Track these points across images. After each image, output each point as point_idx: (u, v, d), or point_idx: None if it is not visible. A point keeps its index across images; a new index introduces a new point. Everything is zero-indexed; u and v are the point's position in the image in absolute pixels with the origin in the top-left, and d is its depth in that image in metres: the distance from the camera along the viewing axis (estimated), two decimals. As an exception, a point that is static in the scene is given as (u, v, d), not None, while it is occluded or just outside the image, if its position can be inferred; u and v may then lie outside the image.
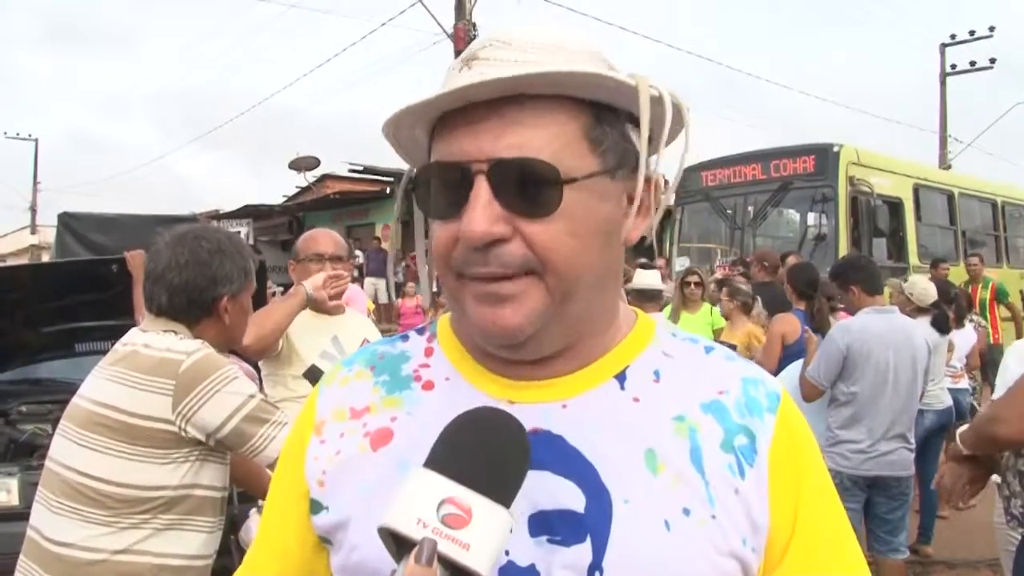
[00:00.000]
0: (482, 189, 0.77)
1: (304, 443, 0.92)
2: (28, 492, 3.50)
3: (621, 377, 0.87)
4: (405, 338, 0.98)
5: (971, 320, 7.02)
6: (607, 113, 0.82)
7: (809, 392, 4.26)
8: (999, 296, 9.56)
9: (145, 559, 1.91)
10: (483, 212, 0.76)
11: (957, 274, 9.67)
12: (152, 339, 2.03)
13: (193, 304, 2.09)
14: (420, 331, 0.98)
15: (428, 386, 0.90)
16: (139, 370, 1.96)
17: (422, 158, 0.88)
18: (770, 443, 0.85)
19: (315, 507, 0.89)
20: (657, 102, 0.80)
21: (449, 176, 0.79)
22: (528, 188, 0.77)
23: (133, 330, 2.14)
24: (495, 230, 0.76)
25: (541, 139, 0.77)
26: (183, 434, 1.93)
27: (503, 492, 0.69)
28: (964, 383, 6.46)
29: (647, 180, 0.85)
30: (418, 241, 0.94)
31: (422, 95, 0.80)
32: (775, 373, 4.80)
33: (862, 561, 0.89)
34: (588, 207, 0.80)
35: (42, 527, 1.96)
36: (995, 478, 3.33)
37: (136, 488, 1.91)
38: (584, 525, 0.79)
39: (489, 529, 0.67)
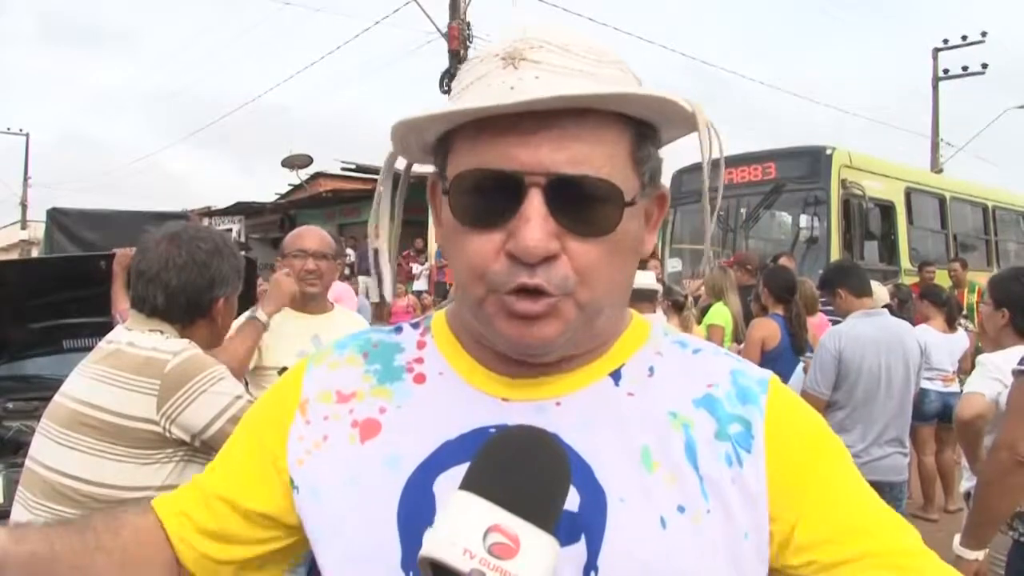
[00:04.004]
0: (536, 201, 0.74)
1: (289, 415, 0.90)
2: (13, 490, 3.47)
3: (616, 375, 0.86)
4: (399, 330, 0.97)
5: (960, 324, 7.04)
6: (648, 131, 0.81)
7: (811, 405, 4.19)
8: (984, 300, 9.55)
9: None
10: (542, 225, 0.74)
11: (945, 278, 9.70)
12: (137, 338, 2.00)
13: (191, 305, 2.07)
14: (414, 325, 0.97)
15: (420, 379, 0.89)
16: (124, 369, 1.93)
17: (420, 157, 0.86)
18: (764, 425, 0.84)
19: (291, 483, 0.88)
20: (695, 124, 0.80)
21: (495, 185, 0.75)
22: (586, 207, 0.75)
23: (118, 328, 2.11)
24: (552, 246, 0.74)
25: (600, 157, 0.76)
26: (167, 434, 1.90)
27: (548, 518, 0.67)
28: (955, 387, 6.47)
29: (661, 196, 0.87)
30: (382, 225, 0.92)
31: (468, 98, 0.77)
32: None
33: (890, 518, 0.86)
34: (630, 228, 0.80)
35: (22, 528, 1.93)
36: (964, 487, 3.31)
37: (118, 488, 1.88)
38: (579, 524, 0.77)
39: (537, 559, 0.64)
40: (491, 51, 0.79)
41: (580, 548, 0.77)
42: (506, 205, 0.75)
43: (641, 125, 0.80)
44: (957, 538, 2.57)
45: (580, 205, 0.75)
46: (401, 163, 0.91)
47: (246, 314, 2.77)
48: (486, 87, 0.76)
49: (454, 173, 0.79)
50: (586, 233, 0.76)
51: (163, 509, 0.93)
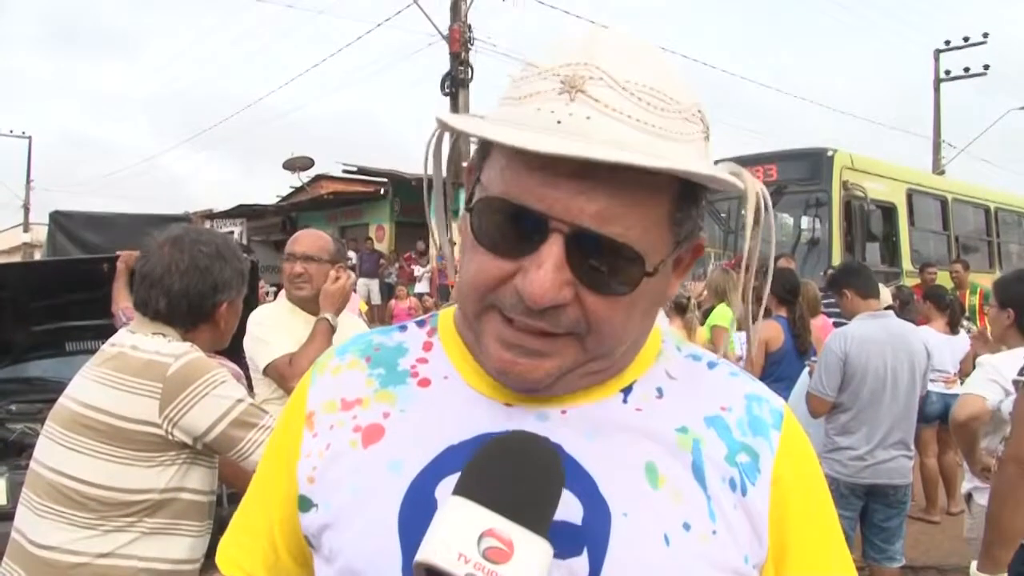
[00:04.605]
0: (556, 249, 0.72)
1: (297, 437, 0.89)
2: (17, 492, 3.45)
3: (627, 391, 0.86)
4: (403, 329, 0.95)
5: (962, 325, 7.03)
6: (692, 190, 0.77)
7: (817, 407, 4.17)
8: (988, 302, 9.54)
9: (130, 563, 1.88)
10: (554, 275, 0.71)
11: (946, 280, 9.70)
12: (140, 341, 2.00)
13: (193, 310, 2.06)
14: (420, 323, 0.95)
15: (424, 383, 0.87)
16: (126, 372, 1.93)
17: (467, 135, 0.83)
18: (774, 462, 0.84)
19: (304, 504, 0.86)
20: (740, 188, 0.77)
21: (518, 219, 0.73)
22: (606, 265, 0.73)
23: (121, 331, 2.11)
24: (560, 297, 0.72)
25: (631, 218, 0.72)
26: (169, 437, 1.90)
27: (541, 521, 0.67)
28: (957, 388, 6.46)
29: (697, 246, 0.84)
30: (437, 205, 0.89)
31: (514, 114, 0.73)
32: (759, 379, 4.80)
33: (845, 548, 0.89)
34: (653, 287, 0.78)
35: (26, 530, 1.94)
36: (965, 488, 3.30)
37: (121, 491, 1.88)
38: (581, 538, 0.76)
39: (531, 563, 0.64)
40: (553, 65, 0.74)
41: (583, 562, 0.76)
42: (527, 240, 0.73)
43: (687, 183, 0.76)
44: (974, 565, 2.49)
45: (600, 262, 0.73)
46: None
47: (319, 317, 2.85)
48: (535, 110, 0.73)
49: (481, 194, 0.77)
50: (600, 290, 0.74)
51: (229, 567, 0.95)
